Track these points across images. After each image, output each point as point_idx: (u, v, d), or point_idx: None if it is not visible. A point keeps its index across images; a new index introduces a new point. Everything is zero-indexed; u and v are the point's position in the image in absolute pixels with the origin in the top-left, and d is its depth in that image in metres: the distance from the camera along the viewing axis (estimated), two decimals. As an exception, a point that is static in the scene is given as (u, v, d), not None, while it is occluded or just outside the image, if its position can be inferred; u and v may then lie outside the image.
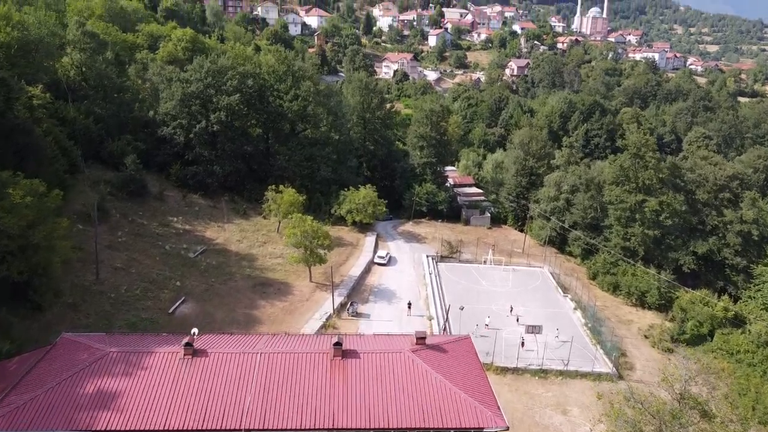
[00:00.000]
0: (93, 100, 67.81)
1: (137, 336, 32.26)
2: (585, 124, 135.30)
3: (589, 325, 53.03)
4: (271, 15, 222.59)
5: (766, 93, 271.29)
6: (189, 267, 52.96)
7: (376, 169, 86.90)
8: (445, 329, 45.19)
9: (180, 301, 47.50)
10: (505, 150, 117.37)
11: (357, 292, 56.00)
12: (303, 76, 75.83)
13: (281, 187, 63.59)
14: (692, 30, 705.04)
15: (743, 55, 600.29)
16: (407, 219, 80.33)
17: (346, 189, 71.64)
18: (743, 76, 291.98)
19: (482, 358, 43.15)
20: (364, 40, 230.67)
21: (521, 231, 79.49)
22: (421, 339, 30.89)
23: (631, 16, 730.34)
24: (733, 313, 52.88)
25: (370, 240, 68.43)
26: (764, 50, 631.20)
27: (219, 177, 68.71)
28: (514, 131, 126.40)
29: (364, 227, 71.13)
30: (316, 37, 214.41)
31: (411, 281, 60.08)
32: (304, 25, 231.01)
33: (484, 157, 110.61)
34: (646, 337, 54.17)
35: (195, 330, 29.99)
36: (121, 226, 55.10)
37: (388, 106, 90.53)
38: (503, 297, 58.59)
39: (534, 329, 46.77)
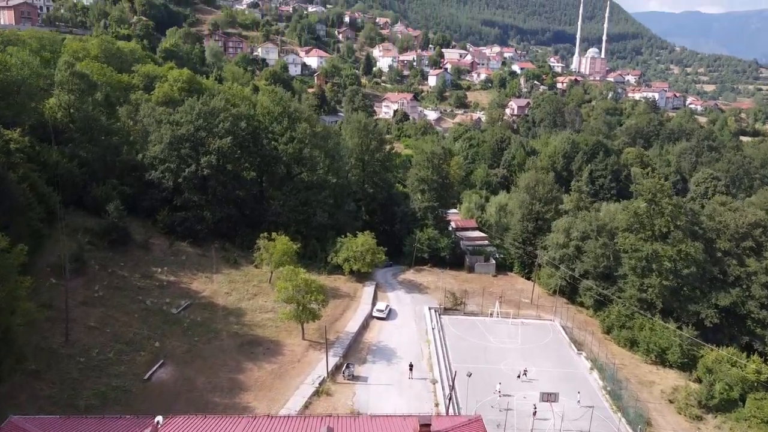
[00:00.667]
0: (78, 142, 64.54)
1: (95, 420, 27.86)
2: (589, 165, 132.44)
3: (609, 388, 48.38)
4: (272, 56, 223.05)
5: (767, 132, 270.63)
6: (171, 324, 48.63)
7: (375, 213, 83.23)
8: (450, 398, 40.61)
9: (158, 365, 43.06)
10: (508, 192, 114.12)
11: (354, 351, 51.49)
12: (299, 118, 72.89)
13: (274, 234, 59.73)
14: (688, 70, 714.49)
15: (740, 95, 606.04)
16: (408, 266, 76.21)
17: (343, 236, 67.79)
18: (743, 115, 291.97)
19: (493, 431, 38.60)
20: (364, 80, 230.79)
21: (528, 279, 75.30)
22: (425, 425, 26.50)
23: (627, 56, 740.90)
24: (767, 377, 48.28)
25: (368, 290, 64.16)
26: (761, 89, 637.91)
27: (209, 223, 64.92)
28: (518, 174, 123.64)
29: (362, 276, 66.96)
30: (315, 78, 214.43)
31: (412, 337, 55.59)
32: (304, 65, 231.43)
33: (487, 200, 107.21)
34: (670, 401, 49.48)
35: (159, 418, 25.69)
36: (99, 279, 50.99)
37: (387, 147, 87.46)
38: (513, 354, 54.05)
39: (550, 397, 42.14)
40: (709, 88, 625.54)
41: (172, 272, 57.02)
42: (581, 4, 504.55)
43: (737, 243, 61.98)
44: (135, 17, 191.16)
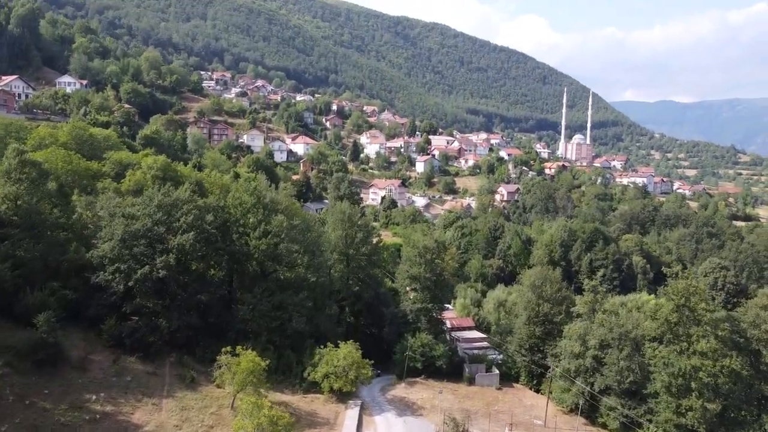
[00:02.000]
0: (18, 240, 55.71)
1: None
2: (588, 254, 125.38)
3: None
4: (257, 143, 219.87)
5: (758, 216, 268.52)
6: (96, 477, 37.97)
7: (361, 314, 73.88)
8: None
9: None
10: (505, 285, 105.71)
11: (332, 506, 40.74)
12: (276, 209, 64.99)
13: (239, 348, 50.08)
14: (669, 155, 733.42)
15: (721, 179, 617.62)
16: (398, 378, 66.03)
17: (322, 346, 58.15)
18: (731, 199, 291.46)
19: None
20: (351, 167, 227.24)
21: (538, 392, 65.23)
22: None
23: (609, 143, 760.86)
24: None
25: (351, 415, 53.67)
26: (740, 174, 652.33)
27: (165, 333, 55.06)
28: (514, 264, 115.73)
29: (344, 394, 56.67)
30: (301, 164, 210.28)
31: (406, 481, 44.95)
32: (290, 152, 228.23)
33: (484, 294, 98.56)
34: None
35: None
36: (10, 415, 40.58)
37: (375, 240, 79.34)
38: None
39: None
40: (691, 172, 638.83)
41: (110, 399, 46.57)
42: (564, 94, 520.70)
43: (790, 356, 53.22)
44: (117, 105, 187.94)
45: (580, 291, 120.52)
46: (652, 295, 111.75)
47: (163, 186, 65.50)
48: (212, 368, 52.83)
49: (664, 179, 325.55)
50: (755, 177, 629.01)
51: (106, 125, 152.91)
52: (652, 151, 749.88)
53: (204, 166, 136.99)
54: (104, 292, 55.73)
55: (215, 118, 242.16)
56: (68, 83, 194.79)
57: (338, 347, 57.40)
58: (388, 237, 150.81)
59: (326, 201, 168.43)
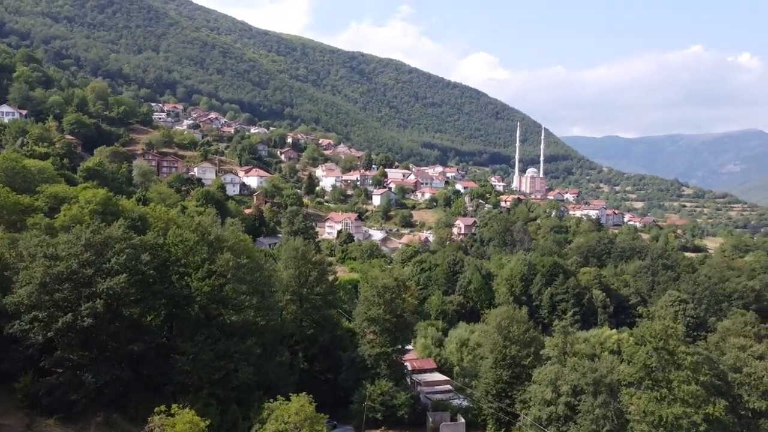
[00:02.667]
0: None
1: None
2: (549, 288, 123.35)
3: None
4: (209, 175, 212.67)
5: (706, 247, 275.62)
6: None
7: (315, 359, 68.28)
8: None
9: None
10: (467, 322, 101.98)
11: None
12: (221, 247, 59.49)
13: (174, 407, 44.00)
14: (617, 188, 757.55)
15: (666, 211, 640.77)
16: (357, 429, 60.54)
17: (272, 399, 52.38)
18: (679, 231, 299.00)
19: None
20: (306, 200, 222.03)
21: (507, 441, 60.93)
22: None
23: (560, 176, 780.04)
24: None
25: (305, 478, 47.88)
26: (684, 206, 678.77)
27: (90, 390, 48.43)
28: (475, 300, 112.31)
29: (297, 453, 50.76)
30: (255, 198, 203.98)
31: None
32: (243, 185, 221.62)
33: (445, 333, 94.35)
34: None
35: None
36: None
37: (330, 278, 74.35)
38: None
39: None
40: (638, 204, 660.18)
41: (18, 474, 39.71)
42: (518, 129, 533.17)
43: (773, 400, 50.62)
44: (58, 136, 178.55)
45: (542, 326, 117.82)
46: (614, 330, 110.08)
47: (99, 222, 59.55)
48: (145, 430, 46.39)
49: (616, 211, 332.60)
50: (698, 209, 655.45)
51: (44, 157, 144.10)
52: (601, 184, 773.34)
53: (150, 200, 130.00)
54: (19, 344, 48.86)
55: (165, 150, 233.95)
56: (6, 113, 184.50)
57: (290, 399, 51.75)
58: (344, 272, 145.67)
59: (280, 235, 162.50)
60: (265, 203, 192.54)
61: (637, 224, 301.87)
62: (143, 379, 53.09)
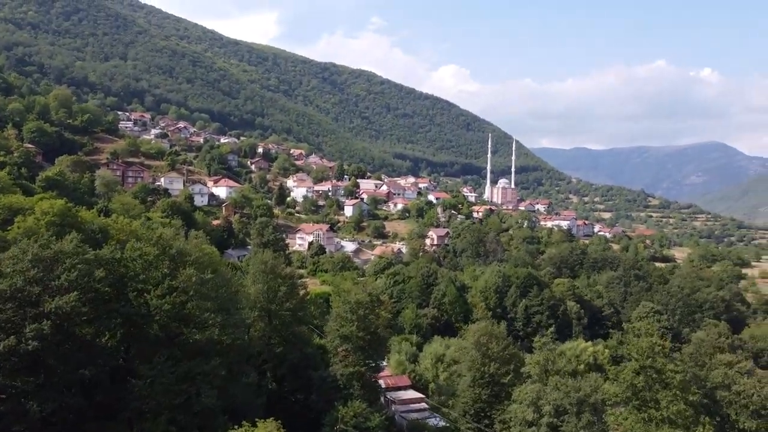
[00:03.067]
0: None
1: None
2: (524, 300, 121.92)
3: None
4: (176, 186, 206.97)
5: (674, 257, 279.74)
6: None
7: (285, 379, 64.80)
8: None
9: None
10: (441, 336, 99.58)
11: None
12: (184, 261, 55.88)
13: (129, 438, 40.35)
14: (586, 199, 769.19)
15: (634, 221, 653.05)
16: (328, 454, 57.27)
17: (236, 426, 48.89)
18: (647, 241, 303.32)
19: None
20: (276, 211, 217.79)
21: (486, 463, 58.34)
22: None
23: (530, 187, 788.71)
24: None
25: None
26: (651, 216, 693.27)
27: (36, 419, 44.22)
28: (456, 319, 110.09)
29: (264, 483, 47.33)
30: (224, 208, 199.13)
31: None
32: (211, 195, 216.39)
33: (420, 348, 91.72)
34: None
35: None
36: None
37: (301, 292, 71.04)
38: None
39: None
40: (606, 215, 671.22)
41: None
42: (489, 140, 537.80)
43: (764, 419, 49.06)
44: (17, 144, 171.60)
45: (518, 339, 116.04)
46: (590, 342, 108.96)
47: (50, 235, 55.42)
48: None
49: (586, 222, 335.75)
50: (664, 219, 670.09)
51: (2, 166, 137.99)
52: (570, 195, 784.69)
53: (112, 212, 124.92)
54: (-43, 370, 44.51)
55: (131, 159, 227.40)
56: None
57: (256, 425, 48.36)
58: (316, 285, 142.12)
59: (250, 247, 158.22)
60: (235, 214, 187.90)
61: (607, 234, 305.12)
62: (96, 406, 49.03)
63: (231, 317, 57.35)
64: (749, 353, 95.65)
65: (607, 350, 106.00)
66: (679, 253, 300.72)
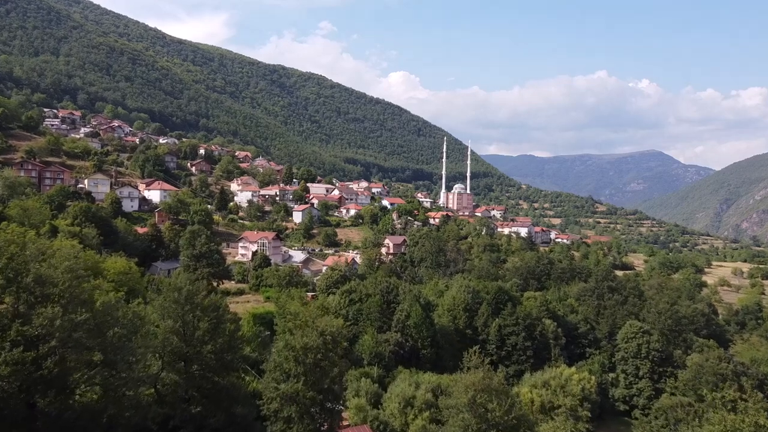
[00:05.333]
0: None
1: None
2: (497, 319, 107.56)
3: None
4: (101, 189, 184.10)
5: (633, 265, 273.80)
6: None
7: (205, 451, 47.23)
8: None
9: None
10: (405, 367, 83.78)
11: None
12: (45, 295, 37.88)
13: None
14: (536, 205, 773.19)
15: (583, 227, 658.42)
16: None
17: None
18: (605, 248, 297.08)
19: None
20: (217, 217, 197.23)
21: None
22: None
23: (481, 193, 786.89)
24: None
25: None
26: (599, 222, 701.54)
27: None
28: (415, 336, 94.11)
29: None
30: (156, 214, 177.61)
31: None
32: (143, 200, 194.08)
33: (382, 384, 75.55)
34: None
35: None
36: None
37: (230, 328, 53.39)
38: None
39: None
40: (556, 221, 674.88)
41: None
42: (444, 144, 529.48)
43: None
44: None
45: (492, 364, 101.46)
46: (573, 368, 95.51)
47: None
48: None
49: (544, 229, 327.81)
50: (612, 225, 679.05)
51: None
52: (521, 201, 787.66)
53: (9, 218, 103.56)
54: None
55: (50, 159, 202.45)
56: None
57: None
58: (259, 302, 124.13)
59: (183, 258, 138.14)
60: (169, 220, 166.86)
61: (565, 241, 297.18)
62: None
63: (120, 372, 39.71)
64: (754, 380, 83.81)
65: (593, 377, 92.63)
66: (636, 260, 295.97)
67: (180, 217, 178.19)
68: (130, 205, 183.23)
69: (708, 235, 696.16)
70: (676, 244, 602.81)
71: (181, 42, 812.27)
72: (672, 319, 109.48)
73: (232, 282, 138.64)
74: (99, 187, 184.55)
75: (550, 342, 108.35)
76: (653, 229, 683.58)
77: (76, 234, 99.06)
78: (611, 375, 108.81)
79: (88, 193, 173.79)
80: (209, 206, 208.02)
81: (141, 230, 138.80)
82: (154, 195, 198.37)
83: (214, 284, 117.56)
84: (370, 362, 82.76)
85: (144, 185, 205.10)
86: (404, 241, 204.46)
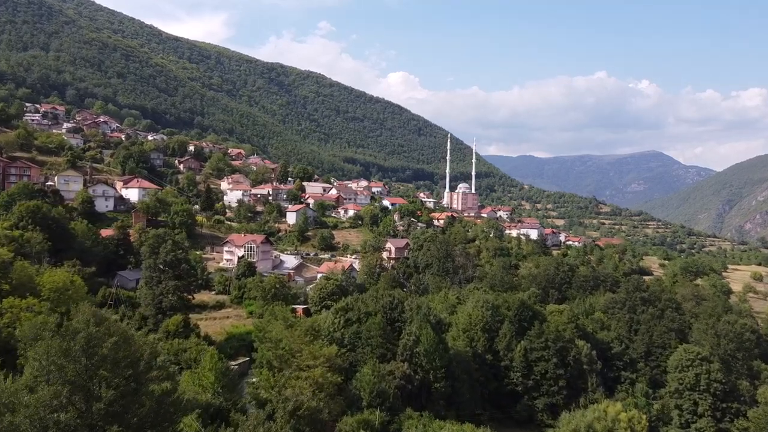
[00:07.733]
0: None
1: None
2: (521, 341, 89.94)
3: None
4: (73, 186, 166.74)
5: (650, 269, 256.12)
6: None
7: None
8: None
9: None
10: (417, 411, 66.24)
11: None
12: None
13: None
14: (539, 206, 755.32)
15: (587, 228, 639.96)
16: None
17: None
18: (618, 251, 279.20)
19: None
20: (201, 218, 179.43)
21: None
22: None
23: (483, 193, 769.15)
24: None
25: None
26: (604, 224, 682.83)
27: None
28: (426, 367, 76.55)
29: None
30: (133, 215, 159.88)
31: None
32: (120, 199, 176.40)
33: (387, 436, 57.97)
34: None
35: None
36: None
37: (162, 387, 35.44)
38: None
39: None
40: (559, 222, 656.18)
41: None
42: (448, 142, 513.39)
43: None
44: None
45: (513, 396, 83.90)
46: (618, 403, 77.93)
47: None
48: None
49: (554, 231, 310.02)
50: (616, 226, 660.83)
51: None
52: (523, 202, 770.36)
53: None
54: None
55: (19, 154, 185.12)
56: None
57: None
58: (240, 318, 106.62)
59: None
60: (143, 222, 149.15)
61: (577, 244, 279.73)
62: None
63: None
64: None
65: (643, 416, 74.98)
66: (652, 264, 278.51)
67: (159, 219, 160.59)
68: (104, 205, 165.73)
69: (715, 237, 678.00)
70: (684, 245, 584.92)
71: (177, 39, 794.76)
72: (734, 342, 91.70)
73: (212, 293, 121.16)
74: (70, 184, 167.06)
75: (585, 368, 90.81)
76: (659, 230, 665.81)
77: (14, 239, 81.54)
78: (655, 405, 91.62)
79: (56, 192, 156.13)
80: (195, 206, 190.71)
81: (104, 233, 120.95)
82: (132, 194, 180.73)
83: (190, 298, 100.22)
84: (370, 403, 65.06)
85: (122, 183, 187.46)
86: (407, 244, 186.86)
